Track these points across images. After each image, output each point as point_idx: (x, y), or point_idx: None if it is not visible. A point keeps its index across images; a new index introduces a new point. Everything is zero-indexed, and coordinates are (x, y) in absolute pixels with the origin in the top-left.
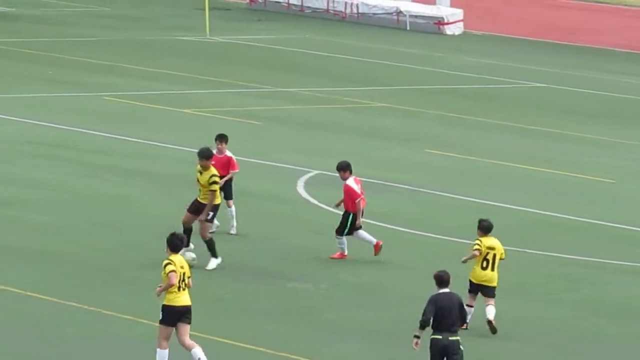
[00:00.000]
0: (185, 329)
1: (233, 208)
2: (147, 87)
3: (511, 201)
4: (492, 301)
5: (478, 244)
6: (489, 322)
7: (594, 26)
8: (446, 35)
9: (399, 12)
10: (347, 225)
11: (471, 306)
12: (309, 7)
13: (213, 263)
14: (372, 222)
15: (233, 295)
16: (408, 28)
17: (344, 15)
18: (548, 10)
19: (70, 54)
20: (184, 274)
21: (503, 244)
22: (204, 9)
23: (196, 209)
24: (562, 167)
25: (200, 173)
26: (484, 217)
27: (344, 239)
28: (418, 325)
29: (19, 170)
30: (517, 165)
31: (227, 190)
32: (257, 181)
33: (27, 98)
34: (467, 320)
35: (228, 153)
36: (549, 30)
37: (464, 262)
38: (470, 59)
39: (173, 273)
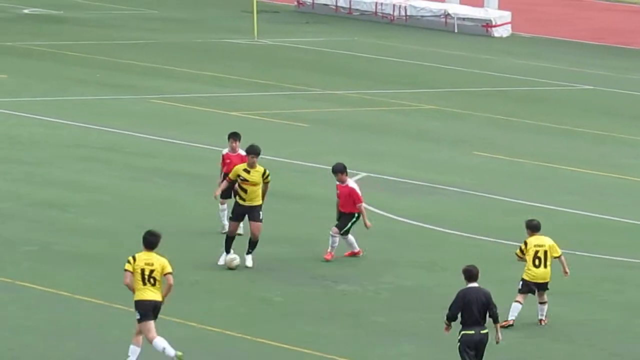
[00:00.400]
0: (150, 324)
1: (226, 206)
2: (194, 90)
3: (558, 203)
4: (544, 298)
5: (521, 248)
6: (540, 320)
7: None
8: (494, 37)
9: (446, 15)
10: (350, 226)
11: (520, 302)
12: (357, 9)
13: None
14: (419, 224)
15: (283, 297)
16: (456, 30)
17: (391, 18)
18: (597, 13)
19: (117, 57)
20: (151, 270)
21: (561, 247)
22: (251, 12)
23: (242, 213)
24: (608, 169)
25: (248, 172)
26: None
27: (350, 236)
28: (445, 318)
29: (66, 173)
30: (563, 167)
31: (230, 190)
32: (305, 184)
33: (74, 101)
34: (513, 317)
35: (241, 152)
36: (598, 33)
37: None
38: (517, 61)
39: (126, 272)
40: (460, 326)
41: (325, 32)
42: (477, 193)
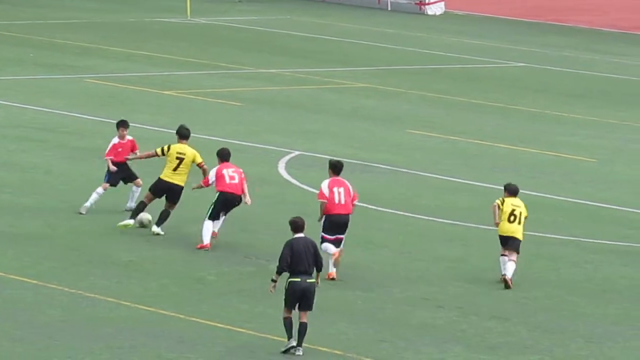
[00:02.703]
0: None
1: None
2: (128, 69)
3: (492, 181)
4: (514, 257)
5: (498, 205)
6: (505, 279)
7: (577, 6)
8: (427, 15)
9: None
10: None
11: (505, 255)
12: None
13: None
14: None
15: (216, 277)
16: (389, 8)
17: None
18: None
19: (52, 37)
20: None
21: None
22: None
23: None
24: (543, 147)
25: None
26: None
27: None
28: (276, 270)
29: (0, 153)
30: (498, 144)
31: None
32: (238, 163)
33: (8, 81)
34: (505, 272)
35: (129, 137)
36: (532, 10)
37: (497, 224)
38: (451, 39)
39: None
40: (288, 275)
41: (259, 11)
42: (411, 171)
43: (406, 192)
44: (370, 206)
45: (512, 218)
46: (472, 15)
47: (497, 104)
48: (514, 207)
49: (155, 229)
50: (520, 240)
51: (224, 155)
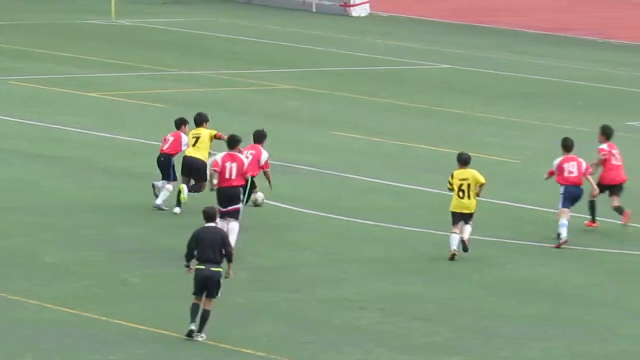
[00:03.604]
0: None
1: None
2: (53, 71)
3: (416, 182)
4: (469, 226)
5: (449, 181)
6: (462, 240)
7: (501, 7)
8: (352, 17)
9: None
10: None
11: (456, 233)
12: None
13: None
14: (277, 204)
15: (140, 279)
16: (314, 10)
17: None
18: None
19: None
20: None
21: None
22: None
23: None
24: (467, 148)
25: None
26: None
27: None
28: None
29: None
30: (422, 146)
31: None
32: None
33: None
34: (454, 247)
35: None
36: (455, 12)
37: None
38: (376, 41)
39: None
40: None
41: (184, 13)
42: (335, 172)
43: (330, 194)
44: (294, 207)
45: (460, 194)
46: (397, 16)
47: (422, 105)
48: (462, 182)
49: (176, 209)
50: (471, 213)
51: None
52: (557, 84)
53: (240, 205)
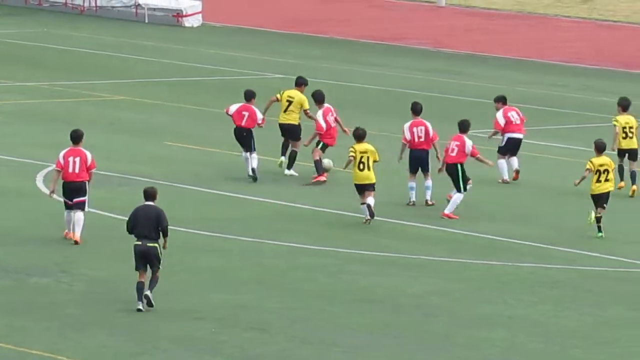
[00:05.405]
0: None
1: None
2: None
3: (252, 192)
4: (371, 195)
5: (352, 150)
6: (369, 206)
7: (334, 17)
8: (185, 27)
9: (137, 5)
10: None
11: (364, 202)
12: (47, 0)
13: None
14: (111, 215)
15: None
16: (147, 21)
17: (82, 9)
18: (290, 2)
19: None
20: None
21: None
22: None
23: None
24: (298, 157)
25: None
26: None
27: None
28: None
29: None
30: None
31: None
32: None
33: None
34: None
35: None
36: (288, 22)
37: (345, 167)
38: (209, 51)
39: None
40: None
41: (15, 24)
42: (170, 183)
43: (165, 205)
44: (125, 219)
45: (361, 166)
46: (230, 27)
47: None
48: (362, 155)
49: (287, 171)
50: (373, 184)
51: None
52: (390, 93)
53: (85, 198)
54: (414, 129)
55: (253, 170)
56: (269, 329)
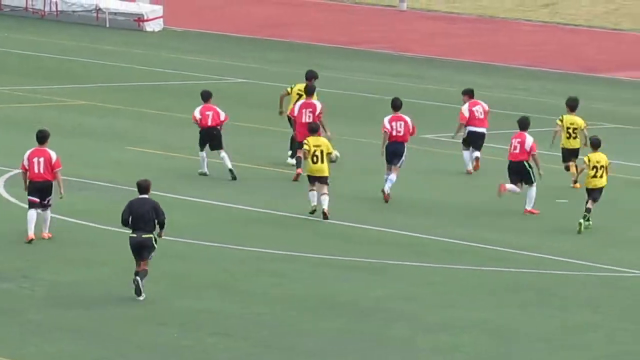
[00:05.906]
0: None
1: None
2: None
3: (213, 197)
4: (325, 190)
5: (306, 143)
6: (323, 212)
7: (294, 22)
8: (146, 31)
9: (98, 9)
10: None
11: (313, 189)
12: (7, 5)
13: None
14: (73, 220)
15: None
16: (108, 25)
17: (43, 14)
18: (253, 7)
19: None
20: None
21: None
22: None
23: None
24: (260, 161)
25: None
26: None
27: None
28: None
29: None
30: (219, 161)
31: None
32: None
33: None
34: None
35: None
36: (250, 27)
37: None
38: (170, 55)
39: None
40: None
41: None
42: (132, 188)
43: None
44: (90, 224)
45: (314, 159)
46: (191, 31)
47: None
48: (315, 148)
49: (289, 160)
50: (325, 177)
51: None
52: (350, 97)
53: (51, 197)
54: (393, 123)
55: (231, 170)
56: (233, 334)
